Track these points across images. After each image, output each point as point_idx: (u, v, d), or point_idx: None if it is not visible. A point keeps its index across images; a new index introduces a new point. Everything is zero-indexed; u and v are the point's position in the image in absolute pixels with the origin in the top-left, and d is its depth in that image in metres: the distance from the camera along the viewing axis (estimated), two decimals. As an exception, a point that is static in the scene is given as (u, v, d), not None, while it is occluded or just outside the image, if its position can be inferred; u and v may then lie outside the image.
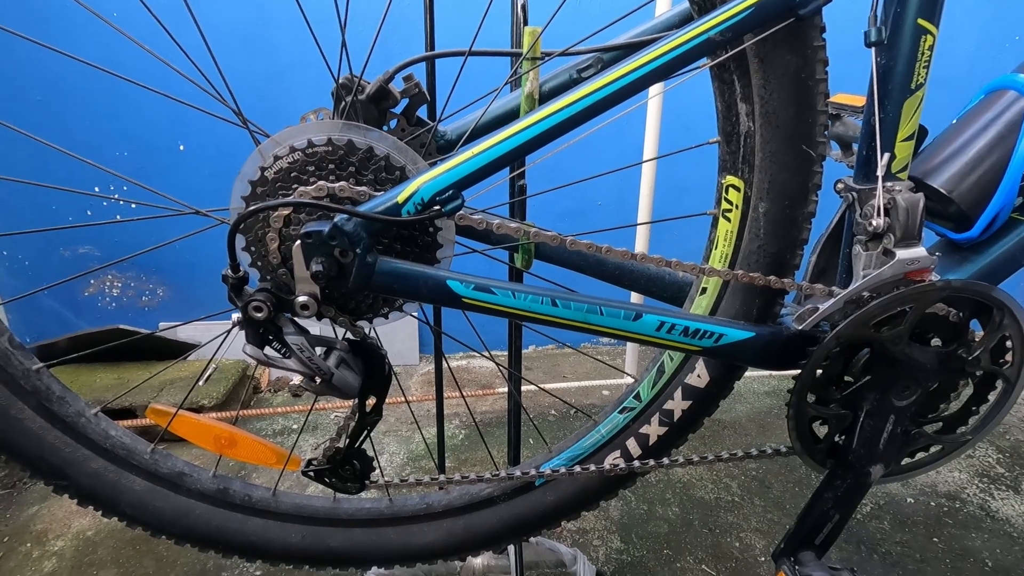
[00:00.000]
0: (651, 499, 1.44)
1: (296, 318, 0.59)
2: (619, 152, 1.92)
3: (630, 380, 1.85)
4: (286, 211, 0.57)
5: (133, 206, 1.78)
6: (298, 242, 0.55)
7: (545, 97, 0.73)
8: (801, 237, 0.69)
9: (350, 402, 0.69)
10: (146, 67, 0.81)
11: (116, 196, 1.80)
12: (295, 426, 1.78)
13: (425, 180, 0.54)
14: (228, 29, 1.75)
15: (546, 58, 0.68)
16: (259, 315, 0.56)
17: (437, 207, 0.54)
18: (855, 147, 0.92)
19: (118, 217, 1.87)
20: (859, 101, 0.87)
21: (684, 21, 0.71)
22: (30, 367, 0.71)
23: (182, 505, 0.80)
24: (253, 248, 0.62)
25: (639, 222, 1.40)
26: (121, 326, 1.73)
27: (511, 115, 0.75)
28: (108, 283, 1.98)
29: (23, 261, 1.94)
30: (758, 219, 0.68)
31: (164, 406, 0.76)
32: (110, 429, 0.77)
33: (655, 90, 1.28)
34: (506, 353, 0.96)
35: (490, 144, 0.54)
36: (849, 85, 0.87)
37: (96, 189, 1.83)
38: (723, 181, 0.69)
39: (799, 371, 0.70)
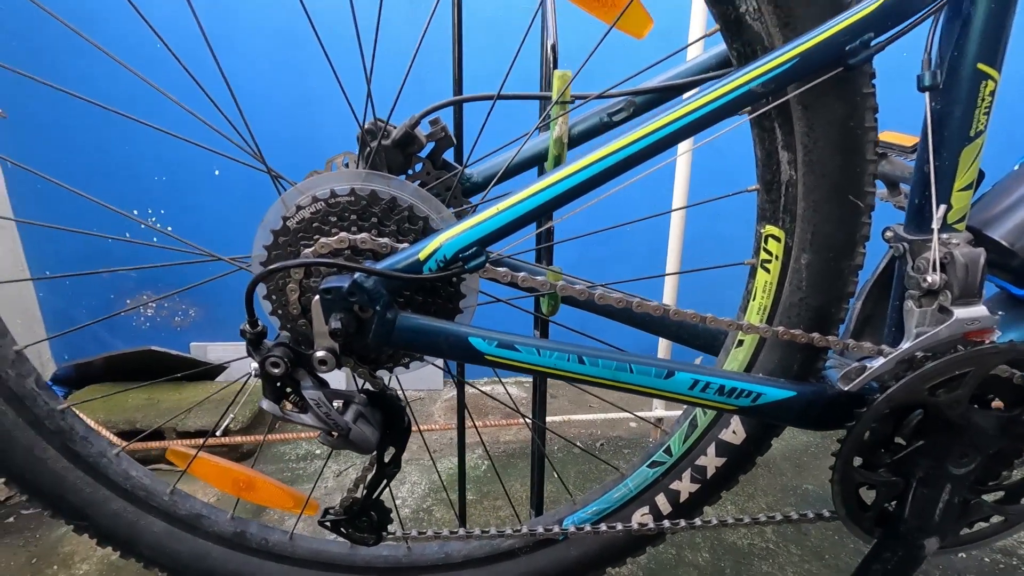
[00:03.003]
0: (680, 543, 1.38)
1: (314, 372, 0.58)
2: (651, 187, 1.88)
3: (659, 414, 1.79)
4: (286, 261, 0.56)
5: (162, 246, 1.82)
6: (316, 297, 0.53)
7: (575, 140, 0.71)
8: (847, 290, 0.65)
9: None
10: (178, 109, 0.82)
11: (153, 240, 1.86)
12: (318, 451, 1.78)
13: (448, 237, 0.52)
14: (262, 72, 1.79)
15: (578, 102, 0.65)
16: (276, 371, 0.54)
17: (459, 264, 0.52)
18: (903, 186, 0.87)
19: (158, 242, 1.92)
20: (908, 140, 0.82)
21: (721, 64, 0.68)
22: (55, 407, 0.71)
23: (199, 548, 0.79)
24: (274, 297, 0.61)
25: (671, 271, 1.35)
26: (152, 347, 1.76)
27: (539, 157, 0.73)
28: (142, 303, 2.03)
29: (63, 281, 2.01)
30: (800, 271, 0.64)
31: (184, 448, 0.76)
32: (131, 469, 0.76)
33: (684, 146, 1.25)
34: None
35: (516, 200, 0.51)
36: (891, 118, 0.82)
37: (135, 212, 1.88)
38: (762, 231, 0.65)
39: (845, 432, 0.65)
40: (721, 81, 0.50)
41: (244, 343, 0.55)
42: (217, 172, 1.91)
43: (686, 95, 0.53)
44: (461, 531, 0.76)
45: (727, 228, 2.01)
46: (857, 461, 0.67)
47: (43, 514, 1.52)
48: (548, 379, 0.59)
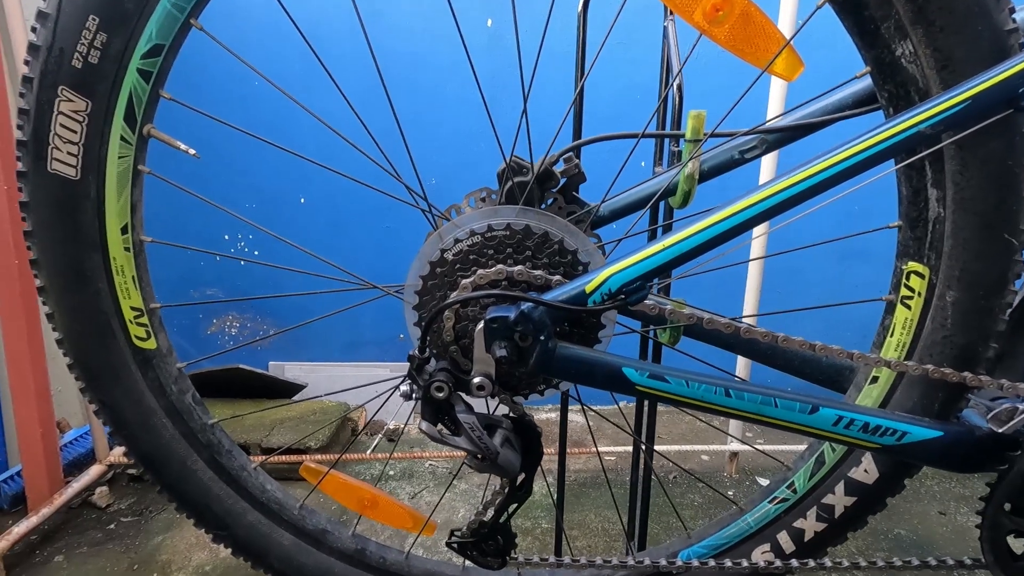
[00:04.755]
0: (768, 585, 1.33)
1: (468, 397, 0.60)
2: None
3: (734, 447, 1.75)
4: (467, 292, 0.59)
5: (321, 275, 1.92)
6: (481, 325, 0.56)
7: (704, 175, 0.73)
8: (996, 328, 0.63)
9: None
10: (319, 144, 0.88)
11: (309, 271, 1.96)
12: (392, 472, 1.81)
13: (613, 271, 0.54)
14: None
15: (718, 147, 0.67)
16: (440, 395, 0.57)
17: (623, 296, 0.54)
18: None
19: (317, 271, 2.03)
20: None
21: (859, 103, 0.69)
22: (206, 422, 0.76)
23: (323, 562, 0.82)
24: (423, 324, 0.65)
25: (751, 301, 1.34)
26: (241, 366, 1.84)
27: (666, 192, 0.75)
28: (228, 323, 2.14)
29: (157, 299, 2.14)
30: (945, 308, 0.63)
31: (316, 465, 0.79)
32: (266, 484, 0.80)
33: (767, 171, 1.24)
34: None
35: (679, 239, 0.53)
36: None
37: (225, 236, 2.00)
38: (904, 267, 0.65)
39: (996, 475, 0.63)
40: (890, 122, 0.51)
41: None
42: (303, 200, 2.01)
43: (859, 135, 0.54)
44: (582, 559, 0.76)
45: (798, 260, 1.96)
46: (1007, 507, 0.64)
47: (140, 523, 1.59)
48: (694, 410, 0.60)
